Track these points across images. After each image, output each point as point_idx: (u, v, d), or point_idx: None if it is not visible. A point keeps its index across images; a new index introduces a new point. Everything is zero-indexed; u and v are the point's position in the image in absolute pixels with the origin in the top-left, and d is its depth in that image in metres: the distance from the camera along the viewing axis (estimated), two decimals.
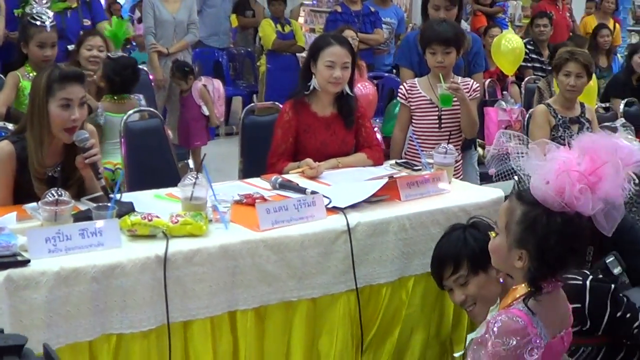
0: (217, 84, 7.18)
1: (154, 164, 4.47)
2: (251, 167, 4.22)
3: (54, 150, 3.16)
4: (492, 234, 2.37)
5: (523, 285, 2.28)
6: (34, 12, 4.43)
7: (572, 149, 2.29)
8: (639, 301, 3.01)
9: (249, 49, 9.84)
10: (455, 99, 4.08)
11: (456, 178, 4.01)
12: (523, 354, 2.17)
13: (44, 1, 4.59)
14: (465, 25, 8.24)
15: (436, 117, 4.18)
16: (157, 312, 2.70)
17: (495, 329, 2.19)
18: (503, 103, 5.90)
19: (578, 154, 2.26)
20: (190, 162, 6.22)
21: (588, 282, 2.88)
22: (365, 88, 6.42)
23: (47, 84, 3.05)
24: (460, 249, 2.89)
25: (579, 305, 2.79)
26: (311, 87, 3.91)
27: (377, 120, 6.27)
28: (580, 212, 2.22)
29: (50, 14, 4.49)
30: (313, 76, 3.90)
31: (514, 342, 2.17)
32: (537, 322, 2.22)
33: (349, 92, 3.95)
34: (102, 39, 5.04)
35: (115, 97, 4.90)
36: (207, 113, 6.87)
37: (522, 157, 2.31)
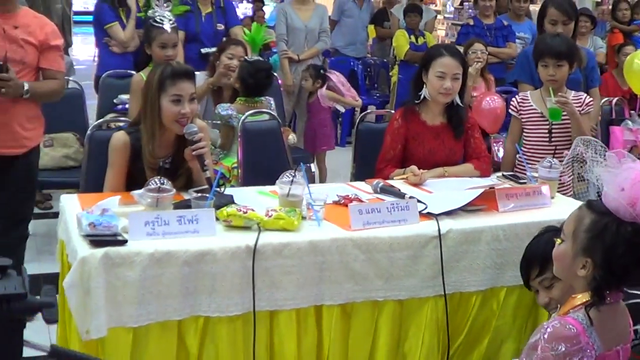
0: (336, 75, 7.06)
1: (269, 164, 4.57)
2: (363, 172, 4.25)
3: (165, 142, 3.36)
4: (558, 241, 2.35)
5: (581, 295, 2.27)
6: (156, 15, 4.67)
7: None
8: None
9: (385, 59, 9.91)
10: (564, 113, 4.04)
11: (564, 194, 3.96)
12: None
13: (165, 5, 4.83)
14: (601, 42, 8.02)
15: (546, 131, 4.14)
16: (244, 299, 2.82)
17: (546, 334, 2.20)
18: (629, 122, 5.71)
19: None
20: (312, 166, 6.34)
21: None
22: (493, 102, 6.32)
23: (160, 80, 3.27)
24: (548, 252, 2.85)
25: None
26: (422, 97, 3.96)
27: (504, 135, 6.19)
28: None
29: (171, 16, 4.73)
30: (424, 85, 3.94)
31: (563, 349, 2.16)
32: (591, 332, 2.20)
33: (459, 102, 3.96)
34: (244, 48, 5.15)
35: (249, 100, 4.95)
36: (343, 110, 6.84)
37: (599, 165, 2.30)
